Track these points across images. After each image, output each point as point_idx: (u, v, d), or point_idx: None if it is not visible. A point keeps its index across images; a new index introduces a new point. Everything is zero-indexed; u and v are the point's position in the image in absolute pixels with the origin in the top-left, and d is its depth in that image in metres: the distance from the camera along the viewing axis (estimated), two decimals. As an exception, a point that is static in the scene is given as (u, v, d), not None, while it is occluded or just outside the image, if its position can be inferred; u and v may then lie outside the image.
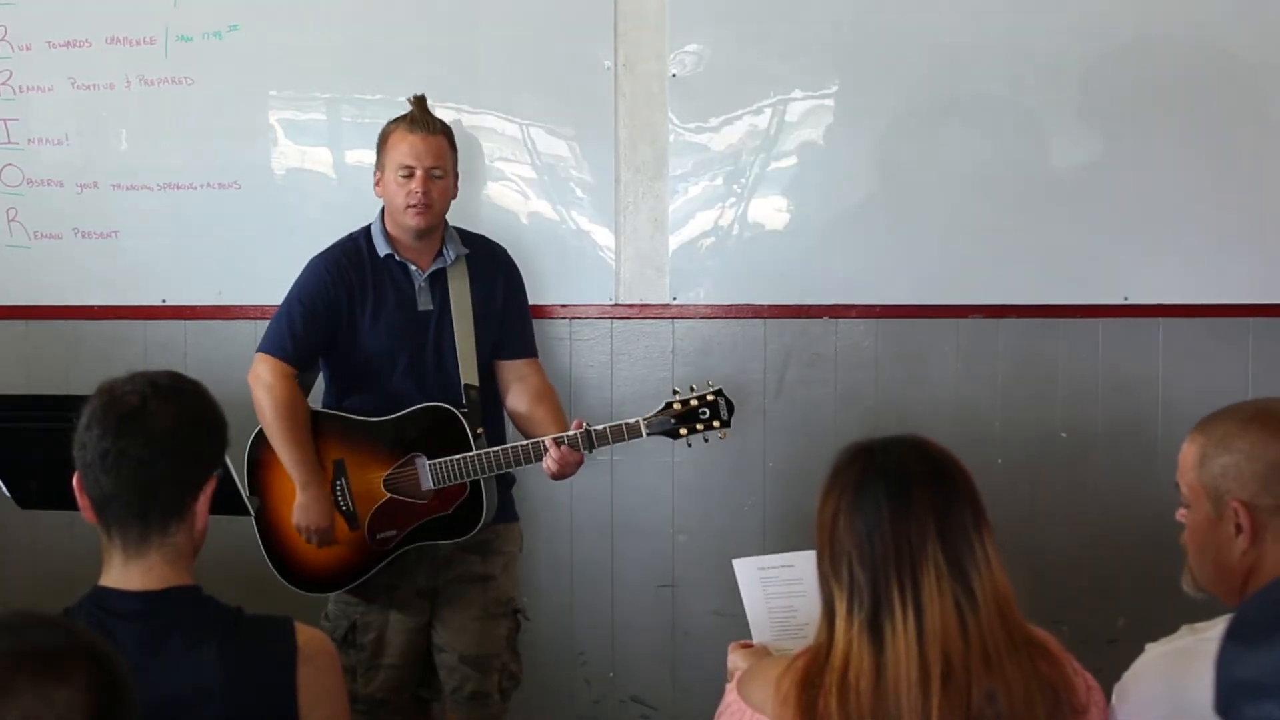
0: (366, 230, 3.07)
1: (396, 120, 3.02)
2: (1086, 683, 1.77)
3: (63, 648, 1.34)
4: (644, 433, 2.93)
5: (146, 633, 1.77)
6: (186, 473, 1.81)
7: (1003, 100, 3.59)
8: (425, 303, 3.03)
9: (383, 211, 3.07)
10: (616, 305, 3.69)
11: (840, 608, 1.69)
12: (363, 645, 3.04)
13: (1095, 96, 3.57)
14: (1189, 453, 1.82)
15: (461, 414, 2.97)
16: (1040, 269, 3.60)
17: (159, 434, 1.77)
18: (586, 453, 2.93)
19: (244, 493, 2.67)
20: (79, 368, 3.74)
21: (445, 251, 3.05)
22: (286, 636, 1.83)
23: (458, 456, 2.94)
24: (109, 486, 1.77)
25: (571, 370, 3.69)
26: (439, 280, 3.05)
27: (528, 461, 2.93)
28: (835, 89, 3.62)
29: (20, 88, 3.78)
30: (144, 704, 1.41)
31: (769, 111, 3.62)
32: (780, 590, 2.09)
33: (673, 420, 2.94)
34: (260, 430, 3.00)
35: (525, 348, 3.15)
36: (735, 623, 2.20)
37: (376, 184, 3.05)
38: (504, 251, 3.18)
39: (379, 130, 3.06)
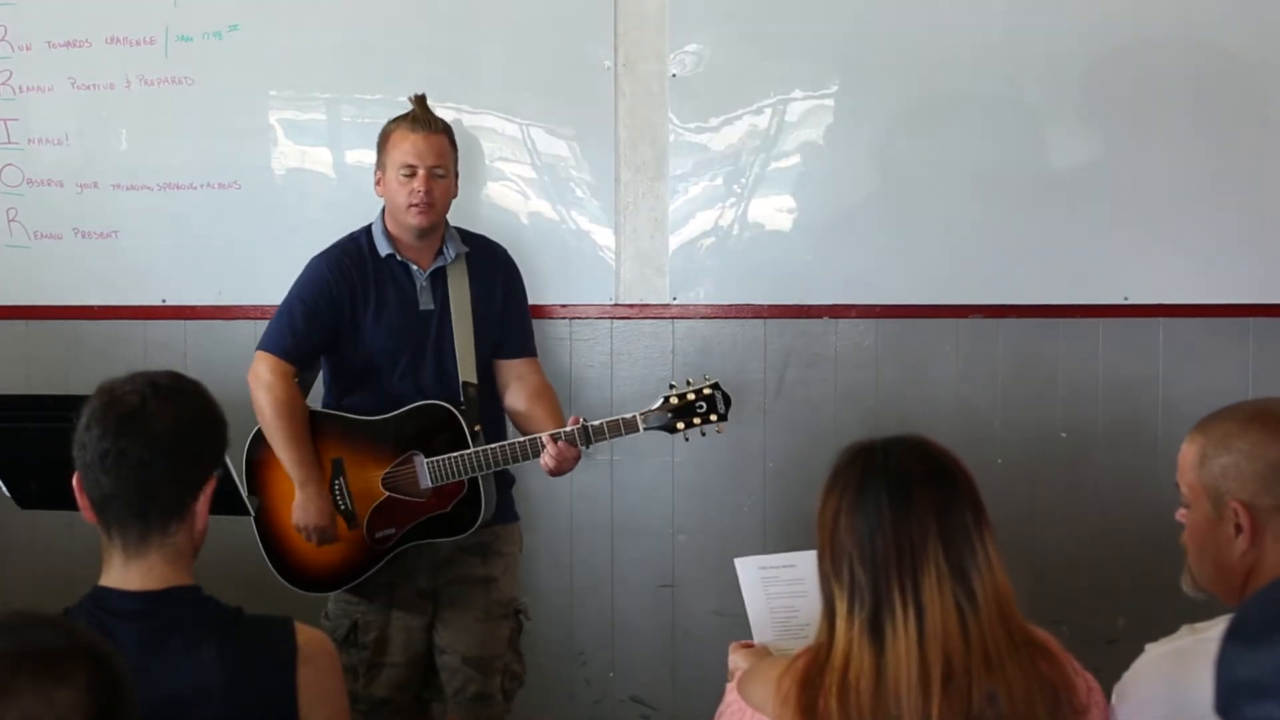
0: (367, 230, 3.07)
1: (398, 119, 3.02)
2: (1087, 683, 1.77)
3: (63, 648, 1.34)
4: (641, 428, 2.93)
5: (146, 633, 1.77)
6: (186, 473, 1.81)
7: (1003, 100, 3.59)
8: (426, 302, 3.04)
9: (383, 211, 3.07)
10: (616, 305, 3.69)
11: (841, 608, 1.69)
12: (364, 645, 3.04)
13: (1095, 96, 3.58)
14: (1189, 453, 1.82)
15: (459, 412, 2.97)
16: (1040, 269, 3.60)
17: (159, 434, 1.77)
18: (584, 448, 2.93)
19: (244, 493, 2.68)
20: (79, 368, 3.74)
21: (445, 250, 3.05)
22: (286, 636, 1.83)
23: (455, 454, 2.94)
24: (109, 486, 1.77)
25: (571, 370, 3.69)
26: (439, 279, 3.05)
27: (525, 458, 2.93)
28: (835, 89, 3.62)
29: (20, 88, 3.78)
30: (144, 704, 1.41)
31: (769, 111, 3.62)
32: (782, 590, 2.09)
33: (670, 414, 2.94)
34: (259, 430, 3.00)
35: (524, 347, 3.15)
36: (735, 623, 2.20)
37: (377, 183, 3.05)
38: (504, 251, 3.18)
39: (379, 130, 3.06)
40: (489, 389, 3.10)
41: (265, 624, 1.84)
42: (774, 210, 3.65)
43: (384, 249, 3.03)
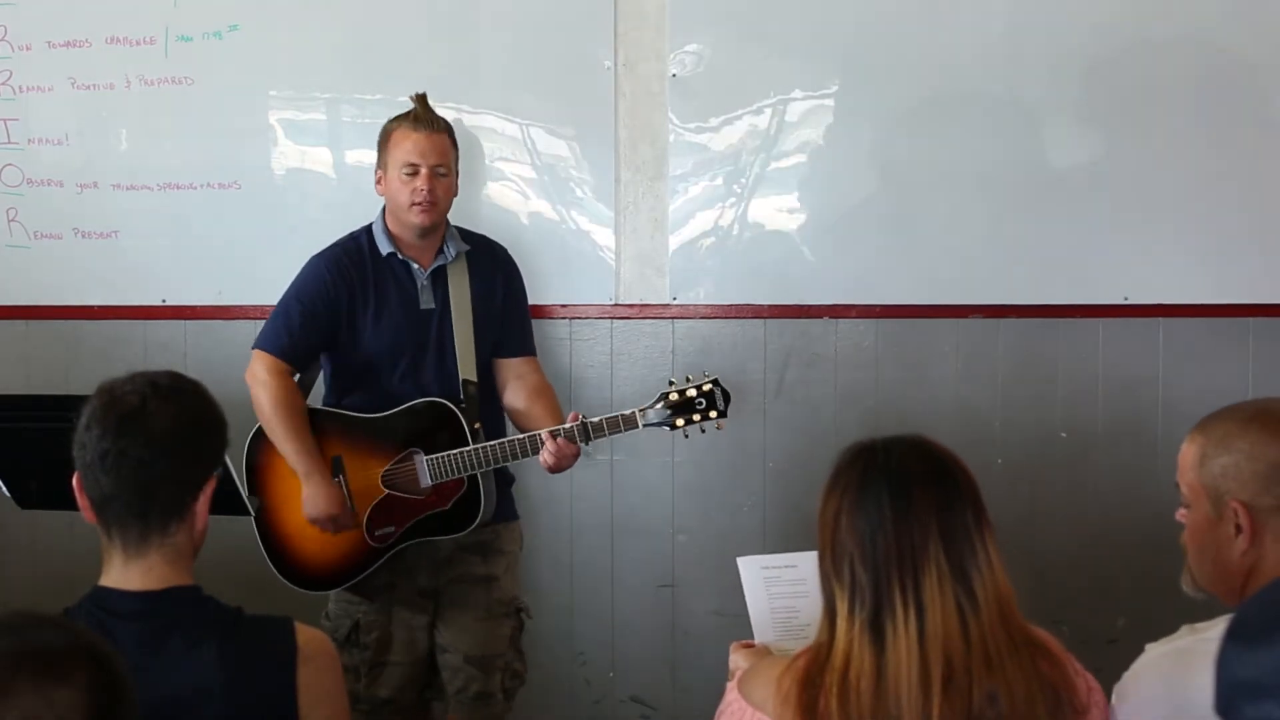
0: (368, 229, 3.07)
1: (399, 118, 3.02)
2: (1087, 683, 1.77)
3: (63, 648, 1.34)
4: (640, 424, 2.93)
5: (146, 633, 1.77)
6: (186, 473, 1.81)
7: (1003, 100, 3.59)
8: (427, 301, 3.04)
9: (384, 210, 3.07)
10: (616, 305, 3.69)
11: (841, 608, 1.69)
12: (366, 644, 3.04)
13: (1095, 96, 3.58)
14: (1189, 453, 1.82)
15: (459, 410, 2.97)
16: (1040, 269, 3.60)
17: (159, 434, 1.77)
18: (583, 445, 2.93)
19: (244, 493, 2.68)
20: (79, 368, 3.74)
21: (446, 249, 3.05)
22: (286, 636, 1.83)
23: (455, 451, 2.94)
24: (109, 486, 1.77)
25: (571, 370, 3.69)
26: (440, 278, 3.05)
27: (524, 455, 2.93)
28: (835, 89, 3.62)
29: (20, 88, 3.78)
30: (144, 704, 1.41)
31: (769, 111, 3.62)
32: (783, 590, 2.09)
33: (669, 411, 2.94)
34: (259, 429, 3.00)
35: (523, 346, 3.16)
36: (735, 623, 2.20)
37: (378, 182, 3.05)
38: (504, 250, 3.19)
39: (379, 130, 3.06)
40: (489, 387, 3.10)
41: (265, 624, 1.84)
42: (774, 210, 3.65)
43: (385, 248, 3.03)
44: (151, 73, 3.72)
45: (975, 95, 3.60)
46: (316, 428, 3.00)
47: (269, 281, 3.18)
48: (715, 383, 2.96)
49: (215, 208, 3.73)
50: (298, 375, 3.04)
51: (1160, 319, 3.61)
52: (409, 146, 2.97)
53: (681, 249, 3.66)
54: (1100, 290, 3.60)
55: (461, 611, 3.06)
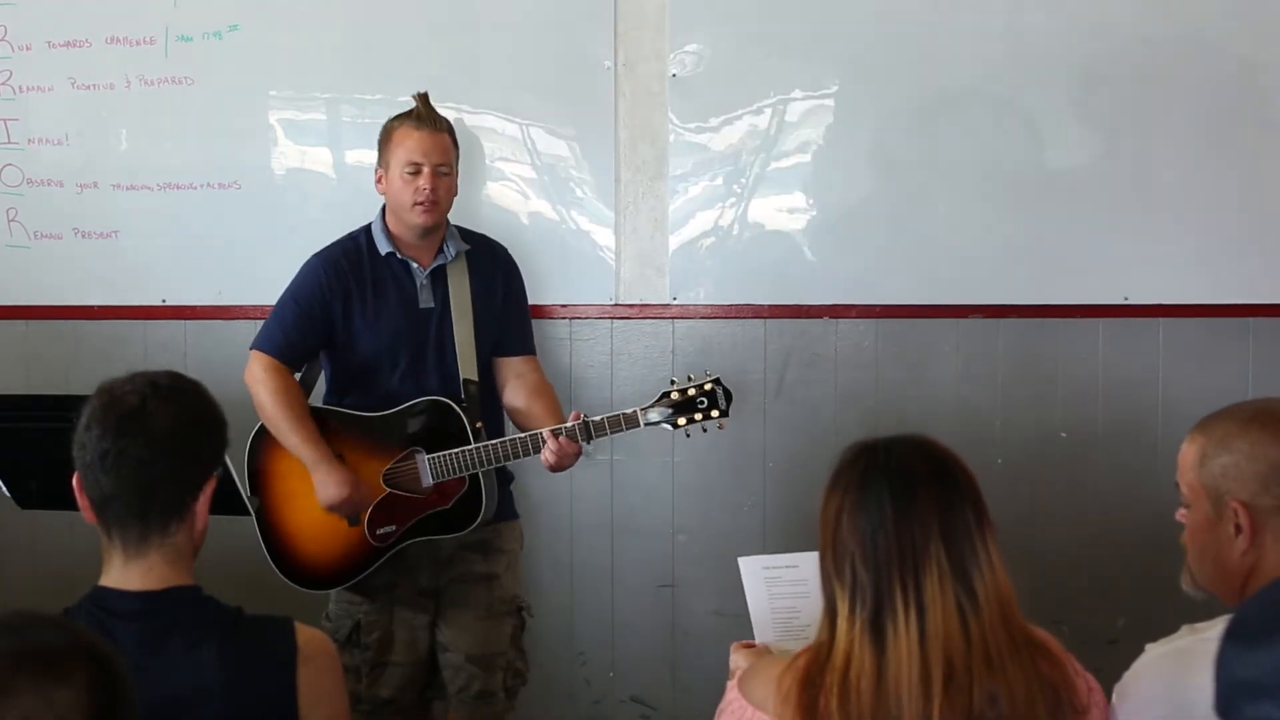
0: (367, 229, 3.07)
1: (401, 117, 3.02)
2: (1087, 683, 1.77)
3: (63, 648, 1.34)
4: (642, 423, 2.93)
5: (146, 633, 1.77)
6: (186, 473, 1.81)
7: (1003, 100, 3.59)
8: (427, 300, 3.04)
9: (383, 209, 3.07)
10: (616, 305, 3.69)
11: (842, 607, 1.69)
12: (367, 645, 3.04)
13: (1095, 96, 3.58)
14: (1189, 453, 1.82)
15: (461, 408, 2.97)
16: (1040, 269, 3.60)
17: (159, 434, 1.77)
18: (584, 444, 2.93)
19: (244, 493, 2.68)
20: (79, 368, 3.74)
21: (446, 248, 3.05)
22: (286, 636, 1.83)
23: (457, 450, 2.94)
24: (109, 487, 1.77)
25: (571, 370, 3.69)
26: (439, 277, 3.05)
27: (526, 454, 2.93)
28: (835, 89, 3.61)
29: (20, 88, 3.78)
30: (144, 704, 1.41)
31: (769, 111, 3.62)
32: (784, 590, 2.09)
33: (670, 410, 2.94)
34: (260, 428, 3.00)
35: (523, 345, 3.16)
36: (735, 623, 2.20)
37: (378, 181, 3.05)
38: (504, 249, 3.19)
39: (379, 129, 3.06)
40: (489, 387, 3.10)
41: (265, 624, 1.84)
42: (774, 210, 3.65)
43: (384, 247, 3.03)
44: (151, 73, 3.72)
45: (975, 95, 3.60)
46: (318, 425, 3.00)
47: (269, 281, 3.18)
48: (717, 382, 2.96)
49: (215, 208, 3.73)
50: (297, 375, 3.05)
51: (1160, 319, 3.61)
52: (411, 145, 2.97)
53: (681, 249, 3.66)
54: (1100, 290, 3.60)
55: (462, 610, 3.06)
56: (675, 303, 3.67)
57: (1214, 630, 1.58)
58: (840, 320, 3.66)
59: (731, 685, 1.87)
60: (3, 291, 3.82)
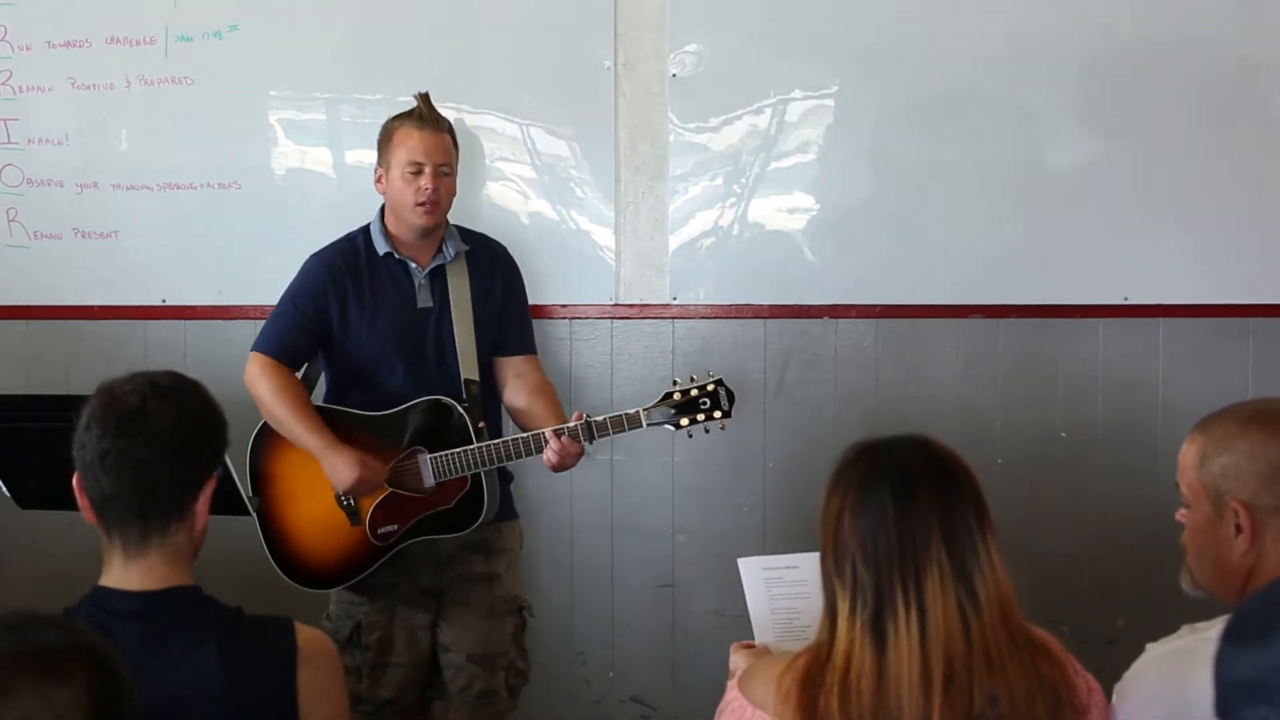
0: (365, 229, 3.07)
1: (402, 116, 3.02)
2: (1087, 683, 1.77)
3: (63, 648, 1.34)
4: (644, 423, 2.93)
5: (146, 633, 1.77)
6: (186, 473, 1.81)
7: (1003, 100, 3.59)
8: (425, 300, 3.04)
9: (382, 209, 3.07)
10: (616, 305, 3.69)
11: (843, 607, 1.69)
12: (368, 645, 3.04)
13: (1095, 96, 3.58)
14: (1189, 453, 1.83)
15: (462, 408, 2.97)
16: (1040, 269, 3.60)
17: (159, 434, 1.77)
18: (587, 444, 2.93)
19: (244, 493, 2.67)
20: (79, 368, 3.74)
21: (445, 248, 3.05)
22: (286, 636, 1.83)
23: (459, 450, 2.94)
24: (109, 487, 1.77)
25: (571, 370, 3.69)
26: (438, 277, 3.05)
27: (528, 454, 2.93)
28: (835, 89, 3.61)
29: (20, 88, 3.78)
30: (144, 704, 1.41)
31: (769, 111, 3.62)
32: (784, 591, 2.09)
33: (673, 410, 2.94)
34: (262, 427, 3.01)
35: (524, 344, 3.15)
36: (735, 623, 2.20)
37: (378, 180, 3.04)
38: (503, 249, 3.18)
39: (379, 129, 3.06)
40: (490, 386, 3.10)
41: (265, 624, 1.84)
42: (774, 210, 3.65)
43: (382, 248, 3.03)
44: (151, 73, 3.72)
45: (975, 95, 3.60)
46: (319, 424, 3.01)
47: (269, 281, 3.18)
48: (719, 383, 2.96)
49: (215, 208, 3.73)
50: (298, 374, 3.05)
51: (1160, 319, 3.61)
52: (413, 145, 2.96)
53: (681, 249, 3.66)
54: (1100, 290, 3.60)
55: (464, 610, 3.06)
56: (675, 303, 3.67)
57: (1214, 630, 1.58)
58: (840, 320, 3.66)
59: (731, 685, 1.87)
60: (3, 291, 3.82)
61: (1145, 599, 3.48)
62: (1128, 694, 1.79)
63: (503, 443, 2.94)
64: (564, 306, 3.69)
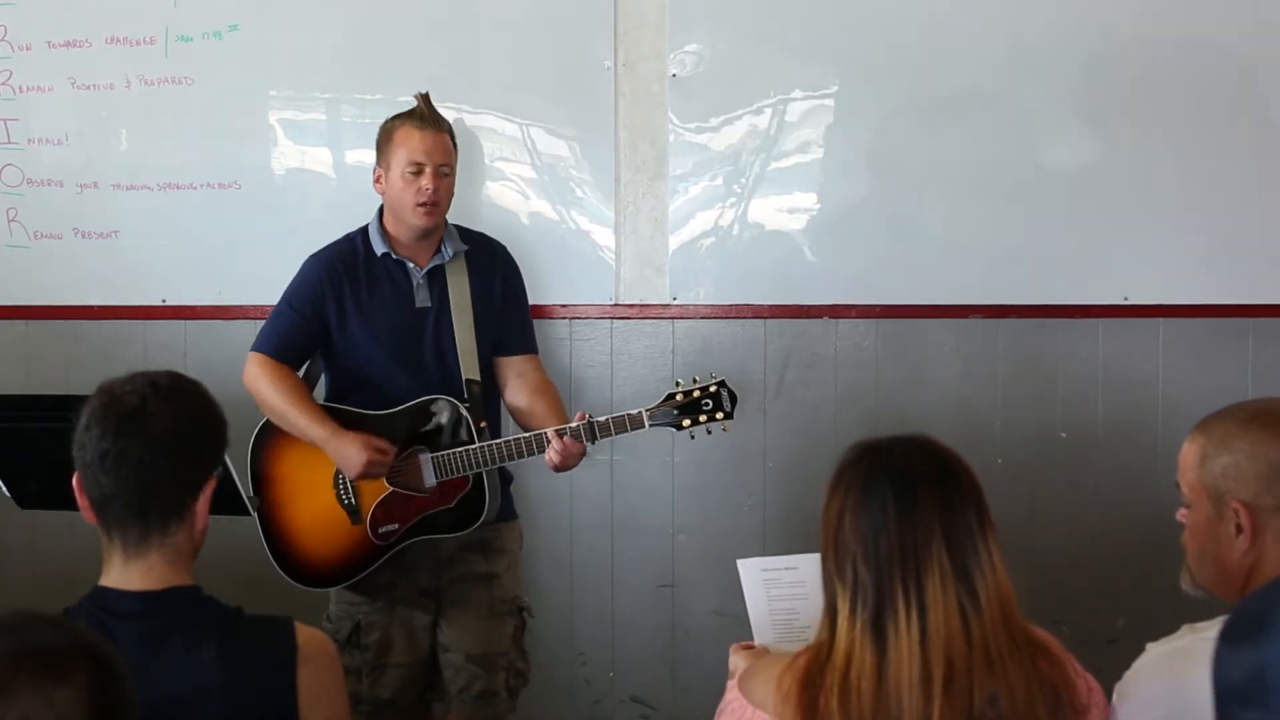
0: (364, 230, 3.07)
1: (401, 116, 3.02)
2: (1087, 683, 1.77)
3: (63, 648, 1.34)
4: (646, 424, 2.93)
5: (146, 633, 1.77)
6: (186, 473, 1.81)
7: (1002, 100, 3.59)
8: (423, 300, 3.03)
9: (381, 210, 3.07)
10: (616, 305, 3.69)
11: (843, 607, 1.69)
12: (367, 646, 3.04)
13: (1095, 96, 3.58)
14: (1189, 453, 1.83)
15: (464, 407, 2.97)
16: (1040, 269, 3.60)
17: (159, 434, 1.77)
18: (589, 444, 2.93)
19: (244, 493, 2.67)
20: (79, 368, 3.74)
21: (444, 248, 3.05)
22: (286, 636, 1.83)
23: (461, 449, 2.94)
24: (109, 487, 1.77)
25: (571, 370, 3.69)
26: (437, 277, 3.05)
27: (530, 454, 2.93)
28: (835, 89, 3.61)
29: (20, 88, 3.78)
30: (144, 704, 1.41)
31: (769, 111, 3.62)
32: (783, 592, 2.09)
33: (675, 411, 2.94)
34: (261, 428, 3.01)
35: (524, 344, 3.15)
36: (735, 623, 2.20)
37: (376, 181, 3.04)
38: (503, 248, 3.18)
39: (378, 129, 3.06)
40: (491, 386, 3.10)
41: (265, 624, 1.84)
42: (774, 210, 3.65)
43: (380, 248, 3.03)
44: (151, 73, 3.72)
45: (975, 95, 3.60)
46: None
47: (269, 281, 3.18)
48: (722, 384, 2.96)
49: (215, 208, 3.73)
50: (299, 373, 3.05)
51: (1160, 319, 3.61)
52: (414, 145, 2.96)
53: (681, 249, 3.66)
54: (1100, 290, 3.60)
55: (463, 610, 3.06)
56: (675, 303, 3.67)
57: (1214, 630, 1.58)
58: (840, 320, 3.66)
59: (731, 685, 1.87)
60: (3, 291, 3.82)
61: (1145, 599, 3.48)
62: (1128, 694, 1.79)
63: (505, 442, 2.94)
64: (564, 306, 3.69)
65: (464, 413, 2.96)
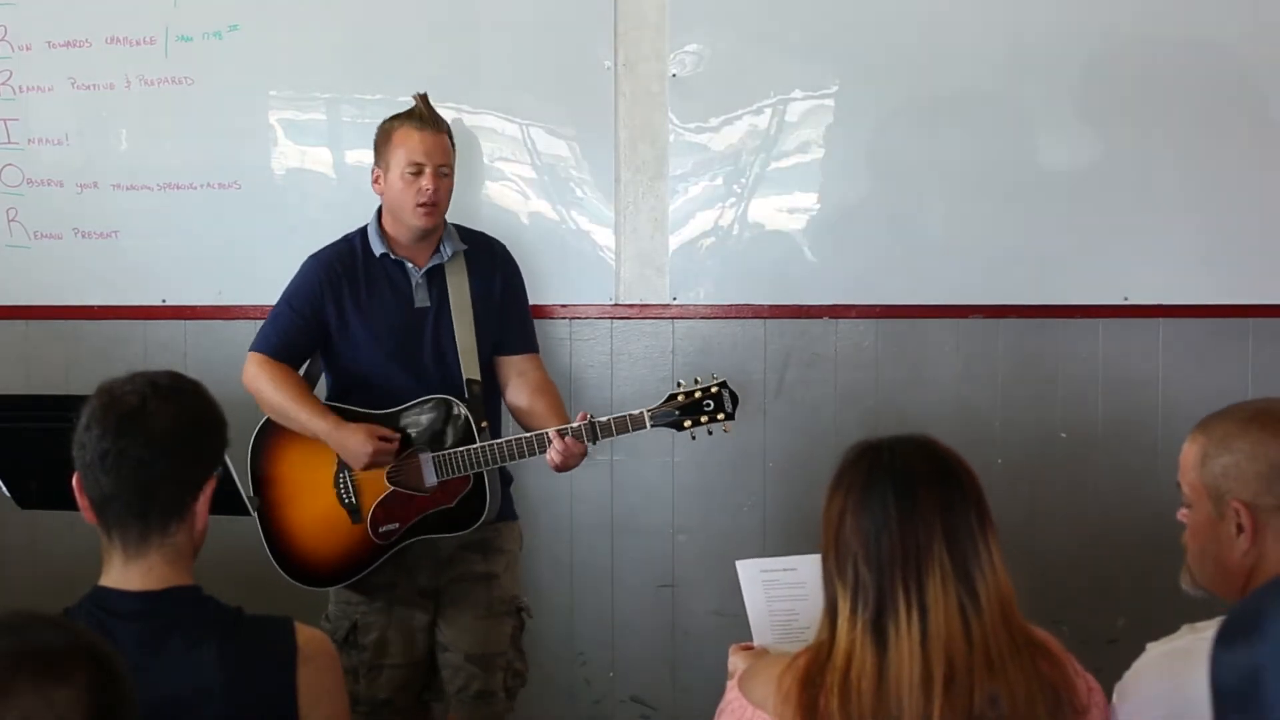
0: (362, 230, 3.07)
1: (400, 117, 3.01)
2: (1087, 683, 1.77)
3: (63, 648, 1.34)
4: (648, 424, 2.93)
5: (146, 633, 1.77)
6: (186, 473, 1.81)
7: (1002, 100, 3.59)
8: (422, 299, 3.03)
9: (379, 210, 3.07)
10: (616, 305, 3.69)
11: (844, 607, 1.69)
12: (364, 646, 3.04)
13: (1095, 96, 3.58)
14: (1190, 452, 1.83)
15: (465, 407, 2.97)
16: (1040, 269, 3.60)
17: (159, 434, 1.77)
18: (590, 444, 2.93)
19: (244, 493, 2.67)
20: (79, 368, 3.74)
21: (443, 248, 3.05)
22: (286, 636, 1.83)
23: (462, 449, 2.94)
24: (109, 487, 1.77)
25: (571, 370, 3.69)
26: (436, 276, 3.05)
27: (531, 454, 2.93)
28: (835, 89, 3.61)
29: (20, 88, 3.78)
30: (144, 704, 1.41)
31: (769, 111, 3.62)
32: (782, 593, 2.09)
33: (676, 412, 2.94)
34: (262, 427, 3.01)
35: (525, 343, 3.15)
36: (735, 623, 2.20)
37: (375, 181, 3.04)
38: (502, 247, 3.18)
39: (376, 129, 3.06)
40: (491, 386, 3.10)
41: (265, 624, 1.84)
42: (774, 210, 3.65)
43: (378, 248, 3.02)
44: (151, 73, 3.72)
45: (975, 95, 3.60)
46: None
47: (269, 281, 3.18)
48: (723, 385, 2.96)
49: (215, 208, 3.73)
50: (299, 372, 3.05)
51: (1160, 319, 3.61)
52: (414, 145, 2.96)
53: (681, 249, 3.66)
54: (1100, 290, 3.60)
55: (462, 610, 3.06)
56: (675, 303, 3.67)
57: (1213, 630, 1.59)
58: (840, 320, 3.66)
59: (731, 685, 1.87)
60: (3, 291, 3.82)
61: (1145, 599, 3.48)
62: (1128, 694, 1.79)
63: (506, 442, 2.94)
64: (564, 306, 3.69)
65: (465, 412, 2.96)
